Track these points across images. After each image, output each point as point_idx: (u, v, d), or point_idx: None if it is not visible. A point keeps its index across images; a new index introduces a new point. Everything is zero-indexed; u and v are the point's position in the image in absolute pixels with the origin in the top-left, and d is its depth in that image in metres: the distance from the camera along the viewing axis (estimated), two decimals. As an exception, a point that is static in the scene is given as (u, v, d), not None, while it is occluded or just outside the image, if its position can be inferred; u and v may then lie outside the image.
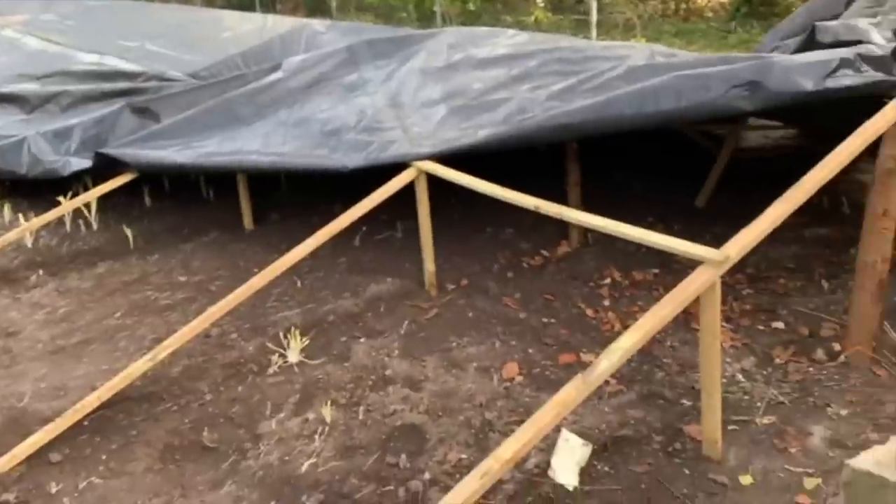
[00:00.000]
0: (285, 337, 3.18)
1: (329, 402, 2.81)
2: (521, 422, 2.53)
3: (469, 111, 3.71)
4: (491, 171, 3.33)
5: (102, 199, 4.48)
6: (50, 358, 3.23)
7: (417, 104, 3.95)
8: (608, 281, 3.72)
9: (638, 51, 3.72)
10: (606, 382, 2.84)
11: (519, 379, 2.97)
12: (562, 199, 3.37)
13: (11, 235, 4.12)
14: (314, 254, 3.47)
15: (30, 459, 2.59)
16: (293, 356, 3.12)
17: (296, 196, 4.88)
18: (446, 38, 4.51)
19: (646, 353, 3.08)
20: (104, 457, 2.63)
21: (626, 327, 3.25)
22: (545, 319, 3.41)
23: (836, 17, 3.87)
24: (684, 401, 2.79)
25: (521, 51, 4.10)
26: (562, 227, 4.09)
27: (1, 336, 3.41)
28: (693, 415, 2.68)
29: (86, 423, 2.76)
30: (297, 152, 3.88)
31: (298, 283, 3.79)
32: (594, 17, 9.01)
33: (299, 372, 3.06)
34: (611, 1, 10.78)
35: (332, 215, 3.46)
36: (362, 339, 3.28)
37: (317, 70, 4.44)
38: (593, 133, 3.24)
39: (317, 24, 6.33)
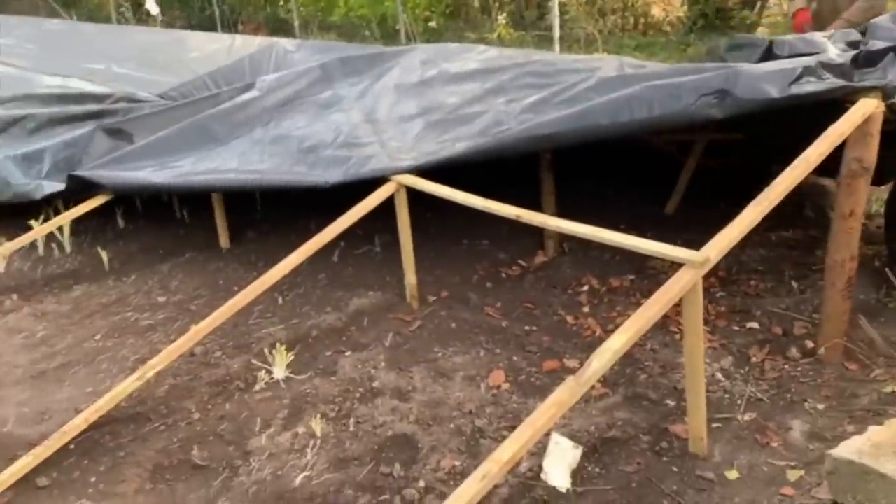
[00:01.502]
0: (270, 353, 3.18)
1: (318, 416, 2.82)
2: (512, 427, 2.59)
3: (446, 125, 3.77)
4: (460, 185, 3.40)
5: (75, 222, 4.43)
6: (31, 382, 3.18)
7: (394, 119, 4.00)
8: (586, 288, 3.80)
9: (608, 63, 3.82)
10: (592, 386, 2.89)
11: (505, 386, 3.01)
12: (535, 209, 3.44)
13: (-17, 261, 4.07)
14: (294, 269, 3.49)
15: (17, 485, 2.55)
16: (279, 372, 3.12)
17: (270, 214, 4.87)
18: (419, 54, 4.57)
19: (628, 357, 3.15)
20: (93, 479, 2.60)
21: (606, 332, 3.35)
22: (527, 327, 3.47)
23: None
24: (668, 401, 2.86)
25: (494, 65, 4.18)
26: (537, 236, 4.16)
27: (-22, 362, 3.36)
28: (677, 414, 2.76)
29: (72, 446, 2.73)
30: (276, 169, 3.89)
31: (280, 300, 3.80)
32: (556, 32, 9.16)
33: (286, 387, 3.06)
34: (571, 16, 10.97)
35: (308, 232, 3.48)
36: (348, 353, 3.29)
37: (291, 88, 4.47)
38: (570, 143, 3.32)
39: (286, 42, 6.35)
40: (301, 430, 2.79)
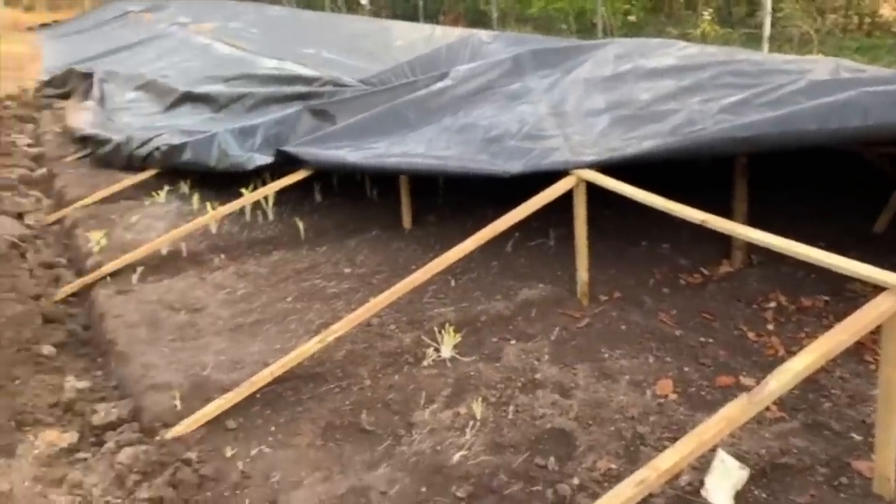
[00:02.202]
0: (439, 332, 3.29)
1: (480, 399, 2.88)
2: (675, 439, 2.50)
3: (634, 121, 3.68)
4: (643, 183, 3.30)
5: (278, 193, 4.84)
6: (229, 334, 3.53)
7: (580, 113, 3.96)
8: (773, 305, 3.56)
9: (822, 65, 3.53)
10: (767, 408, 2.72)
11: (673, 396, 2.91)
12: (724, 215, 3.27)
13: (200, 221, 4.56)
14: (469, 255, 3.57)
15: (209, 424, 2.84)
16: (446, 351, 3.22)
17: (451, 200, 5.02)
18: (613, 48, 4.49)
19: (811, 382, 2.92)
20: (273, 428, 2.84)
21: (790, 353, 3.12)
22: (702, 339, 3.32)
23: None
24: (854, 434, 2.62)
25: (693, 62, 4.01)
26: (723, 245, 3.95)
27: (189, 311, 3.77)
28: (863, 450, 2.52)
29: (258, 395, 2.99)
30: (460, 157, 4.01)
31: (452, 283, 3.91)
32: (767, 30, 8.59)
33: (452, 367, 3.15)
34: (785, 14, 10.20)
35: (485, 220, 3.55)
36: (513, 342, 3.33)
37: (483, 78, 4.57)
38: (770, 148, 3.12)
39: (482, 34, 6.49)
40: (462, 410, 2.86)
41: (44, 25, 18.57)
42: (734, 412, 1.94)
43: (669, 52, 4.31)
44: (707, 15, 11.71)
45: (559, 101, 4.18)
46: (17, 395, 3.01)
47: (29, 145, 7.31)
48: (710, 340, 3.30)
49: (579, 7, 13.02)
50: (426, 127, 4.38)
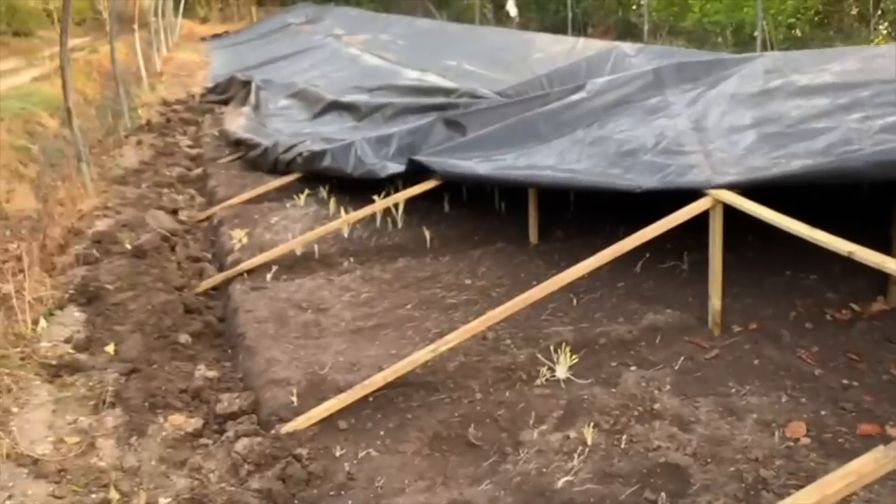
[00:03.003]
0: (555, 351, 3.20)
1: (591, 424, 2.77)
2: (802, 487, 2.28)
3: (782, 139, 3.43)
4: (792, 209, 3.06)
5: (409, 202, 4.93)
6: (350, 336, 3.62)
7: (723, 129, 3.74)
8: (933, 349, 3.19)
9: None
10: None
11: (805, 441, 2.66)
12: (883, 249, 2.97)
13: (333, 225, 4.73)
14: (593, 274, 3.45)
15: (322, 422, 2.91)
16: (561, 371, 3.13)
17: (581, 216, 4.90)
18: (764, 62, 4.22)
19: (974, 441, 2.58)
20: (382, 433, 2.87)
21: (950, 405, 2.78)
22: (845, 381, 3.02)
23: None
24: None
25: (853, 79, 3.68)
26: (879, 279, 3.59)
27: (314, 311, 3.91)
28: None
29: (370, 399, 3.03)
30: (591, 171, 3.90)
31: (574, 302, 3.80)
32: (951, 45, 7.77)
33: (565, 388, 3.06)
34: (976, 27, 9.20)
35: (615, 239, 3.42)
36: (633, 368, 3.19)
37: (620, 91, 4.44)
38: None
39: (626, 47, 6.33)
40: (572, 434, 2.76)
41: (215, 36, 20.18)
42: (866, 466, 1.73)
43: (826, 67, 3.98)
44: (882, 28, 10.80)
45: (701, 116, 3.97)
46: (153, 378, 3.23)
47: (189, 146, 7.94)
48: (855, 383, 3.00)
49: (738, 20, 12.36)
50: (557, 140, 4.31)
